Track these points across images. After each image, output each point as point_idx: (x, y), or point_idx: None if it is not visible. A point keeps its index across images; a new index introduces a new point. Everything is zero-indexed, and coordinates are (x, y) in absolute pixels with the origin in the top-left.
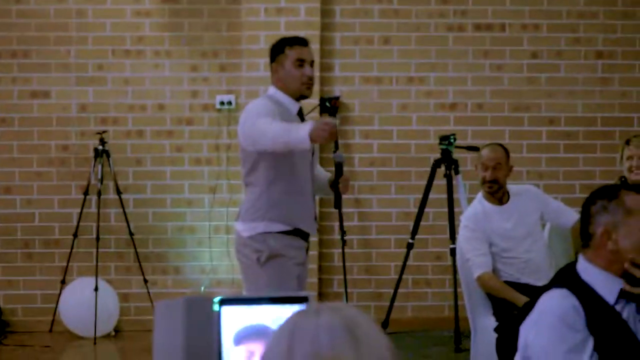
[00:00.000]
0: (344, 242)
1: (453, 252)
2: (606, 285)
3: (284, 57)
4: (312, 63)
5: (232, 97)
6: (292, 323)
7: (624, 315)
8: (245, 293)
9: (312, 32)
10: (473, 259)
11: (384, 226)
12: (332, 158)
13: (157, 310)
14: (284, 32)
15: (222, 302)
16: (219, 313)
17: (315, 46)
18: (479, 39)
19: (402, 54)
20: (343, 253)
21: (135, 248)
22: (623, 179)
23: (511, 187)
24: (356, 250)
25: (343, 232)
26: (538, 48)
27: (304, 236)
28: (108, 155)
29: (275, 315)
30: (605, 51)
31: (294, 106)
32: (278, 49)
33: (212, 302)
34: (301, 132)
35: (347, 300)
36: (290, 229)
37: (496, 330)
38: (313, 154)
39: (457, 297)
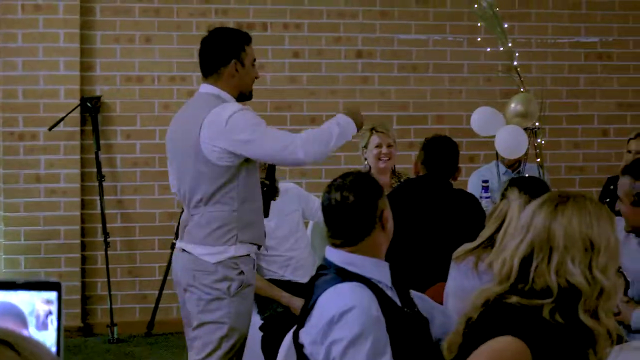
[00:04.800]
0: (107, 245)
1: None
2: (379, 271)
3: (245, 56)
4: None
5: None
6: None
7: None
8: (198, 328)
9: (72, 30)
10: None
11: (148, 227)
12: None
13: None
14: (42, 30)
15: None
16: None
17: (74, 45)
18: None
19: (164, 53)
20: (106, 255)
21: None
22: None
23: None
24: (120, 252)
25: (106, 234)
26: (299, 47)
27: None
28: None
29: (26, 300)
30: (364, 50)
31: None
32: (237, 47)
33: None
34: (351, 126)
35: (111, 303)
36: (255, 250)
37: (261, 328)
38: None
39: None
